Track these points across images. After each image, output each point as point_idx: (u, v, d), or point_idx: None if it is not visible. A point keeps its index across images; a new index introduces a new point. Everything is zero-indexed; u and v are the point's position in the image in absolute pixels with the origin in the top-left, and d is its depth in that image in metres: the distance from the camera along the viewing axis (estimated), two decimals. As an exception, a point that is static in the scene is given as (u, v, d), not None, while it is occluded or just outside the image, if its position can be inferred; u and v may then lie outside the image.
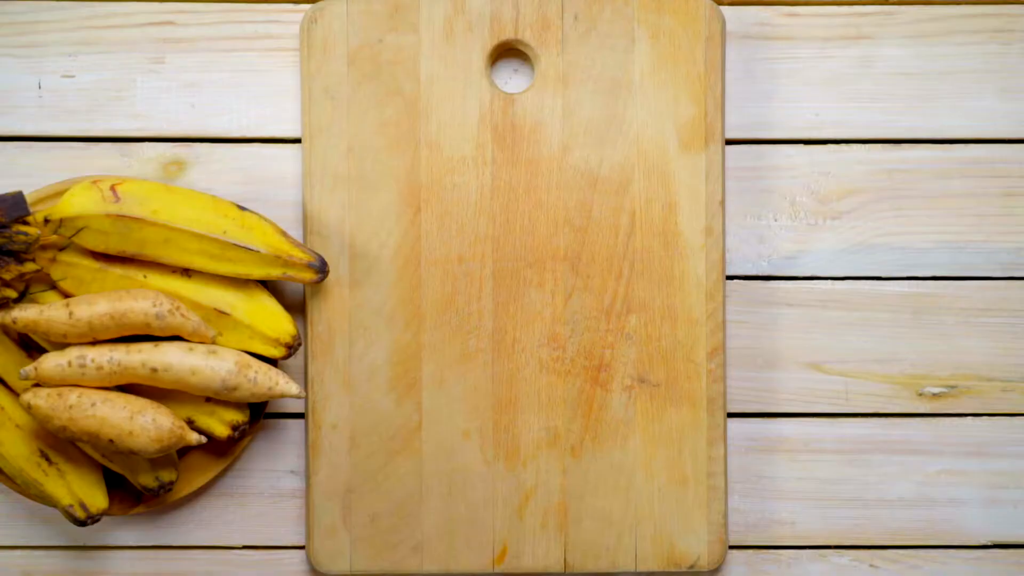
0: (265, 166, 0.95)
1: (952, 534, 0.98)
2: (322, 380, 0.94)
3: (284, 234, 0.90)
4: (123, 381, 0.88)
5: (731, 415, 0.97)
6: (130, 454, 0.87)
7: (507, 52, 0.96)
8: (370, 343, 0.94)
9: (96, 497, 0.90)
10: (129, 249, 0.88)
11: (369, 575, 0.95)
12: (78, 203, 0.87)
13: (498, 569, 0.96)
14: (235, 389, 0.88)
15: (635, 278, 0.94)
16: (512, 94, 0.94)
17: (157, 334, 0.88)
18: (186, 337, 0.88)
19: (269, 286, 0.93)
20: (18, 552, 0.97)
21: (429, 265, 0.94)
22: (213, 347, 0.88)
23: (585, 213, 0.94)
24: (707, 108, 0.94)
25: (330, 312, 0.94)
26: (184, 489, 0.94)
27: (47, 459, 0.90)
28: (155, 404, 0.88)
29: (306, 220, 0.94)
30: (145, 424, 0.86)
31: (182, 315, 0.87)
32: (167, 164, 0.95)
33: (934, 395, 0.97)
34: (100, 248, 0.88)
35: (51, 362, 0.87)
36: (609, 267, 0.95)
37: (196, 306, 0.90)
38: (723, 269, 0.95)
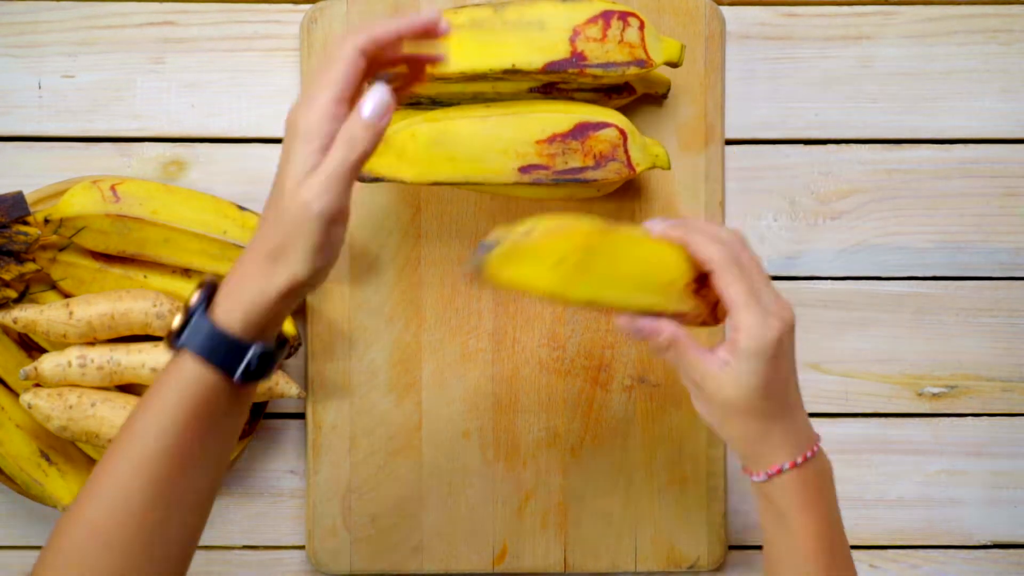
0: (265, 166, 0.95)
1: (952, 534, 0.98)
2: (322, 380, 0.94)
3: (284, 234, 0.90)
4: (123, 381, 0.88)
5: (731, 415, 0.97)
6: (130, 454, 0.87)
7: (507, 52, 0.96)
8: (370, 343, 0.94)
9: (96, 497, 0.90)
10: (129, 249, 0.88)
11: (369, 575, 0.95)
12: (78, 203, 0.87)
13: (498, 569, 0.96)
14: (235, 389, 0.88)
15: (635, 278, 0.94)
16: (512, 94, 0.94)
17: (157, 334, 0.88)
18: (186, 337, 0.88)
19: (269, 286, 0.93)
20: (18, 552, 0.97)
21: (429, 265, 0.94)
22: (213, 347, 0.88)
23: (585, 213, 0.94)
24: (707, 108, 0.94)
25: (330, 312, 0.94)
26: (184, 489, 0.94)
27: (47, 459, 0.90)
28: (155, 404, 0.88)
29: (306, 220, 0.94)
30: (145, 424, 0.86)
31: (182, 315, 0.87)
32: (167, 164, 0.95)
33: (934, 395, 0.97)
34: (100, 248, 0.88)
35: (51, 362, 0.87)
36: (609, 267, 0.95)
37: (196, 306, 0.90)
38: (723, 269, 0.95)
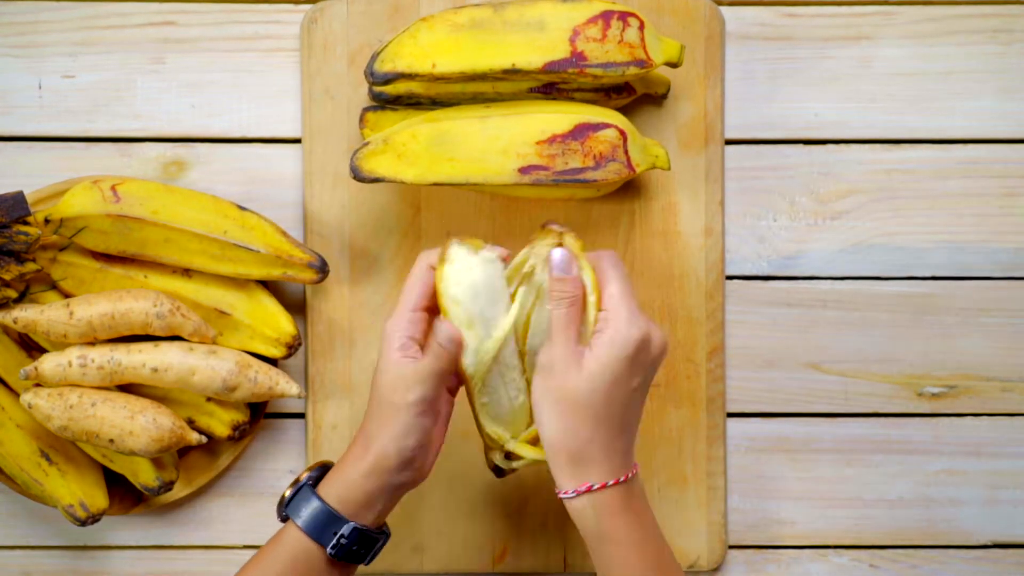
0: (265, 166, 0.95)
1: (952, 534, 0.98)
2: (322, 380, 0.94)
3: (284, 234, 0.90)
4: (123, 381, 0.88)
5: (731, 415, 0.97)
6: (131, 454, 0.87)
7: (507, 52, 0.96)
8: (370, 343, 0.94)
9: (96, 497, 0.90)
10: (130, 249, 0.89)
11: (369, 575, 0.95)
12: (78, 203, 0.87)
13: (498, 569, 0.96)
14: (235, 389, 0.88)
15: (635, 278, 0.94)
16: (512, 94, 0.94)
17: (158, 334, 0.88)
18: (186, 337, 0.88)
19: (269, 286, 0.93)
20: (18, 552, 0.97)
21: (429, 265, 0.94)
22: (213, 347, 0.88)
23: (585, 213, 0.94)
24: (707, 108, 0.94)
25: (330, 312, 0.94)
26: (184, 489, 0.94)
27: (47, 459, 0.90)
28: (155, 404, 0.88)
29: (306, 220, 0.94)
30: (145, 424, 0.86)
31: (182, 315, 0.87)
32: (167, 164, 0.95)
33: (934, 395, 0.97)
34: (100, 248, 0.88)
35: (51, 362, 0.87)
36: (609, 267, 0.95)
37: (196, 306, 0.90)
38: (723, 269, 0.95)
